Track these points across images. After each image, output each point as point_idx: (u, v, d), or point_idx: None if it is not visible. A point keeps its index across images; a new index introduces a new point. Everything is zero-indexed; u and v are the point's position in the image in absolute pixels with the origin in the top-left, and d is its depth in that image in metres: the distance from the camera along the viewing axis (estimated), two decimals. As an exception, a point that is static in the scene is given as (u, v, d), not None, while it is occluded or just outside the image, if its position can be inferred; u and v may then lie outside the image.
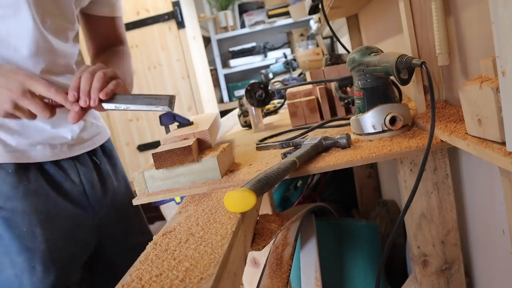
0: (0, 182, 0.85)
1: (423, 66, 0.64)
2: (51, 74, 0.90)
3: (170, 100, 0.76)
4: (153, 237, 0.56)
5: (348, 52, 1.07)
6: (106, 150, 1.09)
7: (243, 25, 3.69)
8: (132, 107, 0.77)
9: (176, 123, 1.01)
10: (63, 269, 0.89)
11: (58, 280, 0.87)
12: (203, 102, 2.91)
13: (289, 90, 1.25)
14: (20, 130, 0.88)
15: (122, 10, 1.11)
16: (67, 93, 0.76)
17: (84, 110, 0.78)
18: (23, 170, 0.87)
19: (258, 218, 0.69)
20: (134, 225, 1.10)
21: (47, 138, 0.91)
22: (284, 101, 1.55)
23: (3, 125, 0.86)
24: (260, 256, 1.08)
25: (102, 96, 0.75)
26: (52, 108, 0.76)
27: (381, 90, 0.80)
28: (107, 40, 1.11)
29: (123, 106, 0.78)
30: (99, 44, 1.11)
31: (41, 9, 0.85)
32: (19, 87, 0.73)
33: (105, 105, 0.78)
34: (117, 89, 0.78)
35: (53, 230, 0.88)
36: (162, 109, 0.76)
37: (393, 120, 0.77)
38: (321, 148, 0.78)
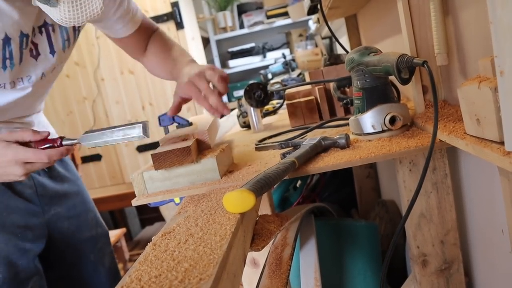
0: None
1: (425, 65, 0.64)
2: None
3: (144, 127, 0.79)
4: (153, 238, 0.56)
5: (347, 52, 1.07)
6: None
7: (242, 26, 3.69)
8: (110, 141, 0.82)
9: (175, 124, 1.01)
10: (11, 267, 0.95)
11: (6, 278, 0.94)
12: (202, 103, 2.91)
13: (288, 91, 1.25)
14: None
15: (140, 11, 1.11)
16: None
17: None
18: None
19: (257, 218, 0.69)
20: (87, 220, 1.17)
21: None
22: (283, 102, 1.56)
23: None
24: (260, 256, 1.08)
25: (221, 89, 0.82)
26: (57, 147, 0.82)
27: (380, 90, 0.80)
28: (143, 40, 1.13)
29: (102, 143, 0.82)
30: (138, 48, 1.13)
31: (41, 89, 0.96)
32: (17, 166, 0.79)
33: (86, 144, 0.84)
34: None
35: (2, 233, 0.94)
36: (138, 138, 0.80)
37: (392, 120, 0.77)
38: (320, 149, 0.78)
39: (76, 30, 0.99)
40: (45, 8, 0.75)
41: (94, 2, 0.75)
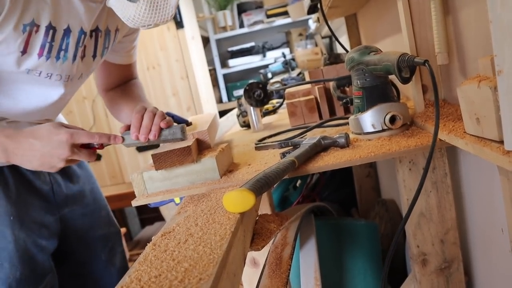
0: None
1: (426, 64, 0.64)
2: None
3: (182, 129, 0.81)
4: (152, 238, 0.56)
5: (347, 51, 1.07)
6: None
7: (241, 25, 3.69)
8: (151, 141, 0.83)
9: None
10: (29, 263, 0.96)
11: (23, 274, 0.95)
12: (202, 102, 2.91)
13: (287, 90, 1.25)
14: None
15: (137, 53, 1.15)
16: (106, 134, 0.83)
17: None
18: None
19: (257, 218, 0.69)
20: (100, 218, 1.17)
21: None
22: (283, 101, 1.55)
23: None
24: (260, 256, 1.08)
25: (163, 125, 0.82)
26: (95, 150, 0.83)
27: (380, 89, 0.80)
28: (120, 79, 1.14)
29: (142, 143, 0.84)
30: (111, 82, 1.14)
31: (73, 86, 0.96)
32: (66, 147, 0.78)
33: (128, 142, 0.84)
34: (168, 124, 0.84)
35: (21, 229, 0.95)
36: (178, 139, 0.82)
37: (393, 119, 0.77)
38: (320, 148, 0.78)
39: (114, 40, 1.02)
40: (121, 3, 0.77)
41: (169, 8, 0.78)
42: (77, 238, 1.12)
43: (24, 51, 0.81)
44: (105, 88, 1.14)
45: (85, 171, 1.18)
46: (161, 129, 0.82)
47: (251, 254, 1.10)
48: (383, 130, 0.78)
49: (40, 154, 0.79)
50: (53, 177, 1.06)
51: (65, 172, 1.11)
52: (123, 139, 0.83)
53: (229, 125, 1.61)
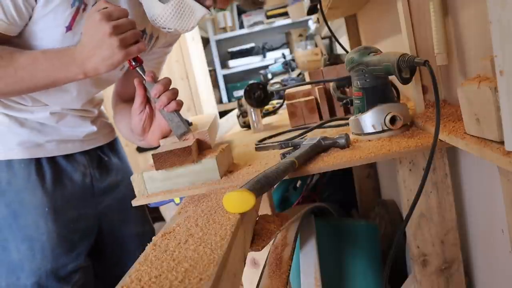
0: (13, 176, 0.93)
1: (427, 64, 0.64)
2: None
3: (180, 135, 0.84)
4: (153, 238, 0.56)
5: (347, 52, 1.07)
6: (114, 146, 1.18)
7: (241, 26, 3.70)
8: (172, 123, 0.84)
9: None
10: (60, 257, 0.96)
11: (54, 268, 0.95)
12: (202, 103, 2.91)
13: (288, 91, 1.25)
14: (40, 128, 0.96)
15: (162, 71, 1.17)
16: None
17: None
18: (36, 164, 0.95)
19: (257, 218, 0.69)
20: (136, 214, 1.16)
21: (63, 136, 1.00)
22: (283, 102, 1.56)
23: (25, 123, 0.94)
24: (260, 256, 1.08)
25: (175, 105, 0.82)
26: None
27: (380, 90, 0.80)
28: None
29: (169, 117, 0.84)
30: (130, 93, 1.11)
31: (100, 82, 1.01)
32: (103, 22, 0.74)
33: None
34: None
35: (56, 222, 0.96)
36: (176, 133, 0.84)
37: (393, 120, 0.77)
38: (320, 148, 0.78)
39: (151, 48, 1.04)
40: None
41: (192, 20, 0.82)
42: (112, 235, 1.11)
43: (69, 27, 0.83)
44: (121, 97, 1.13)
45: (124, 165, 1.18)
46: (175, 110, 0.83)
47: (251, 255, 1.10)
48: (383, 131, 0.78)
49: (91, 45, 0.76)
50: (93, 169, 1.05)
51: (105, 165, 1.10)
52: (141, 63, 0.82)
53: (229, 125, 1.61)
